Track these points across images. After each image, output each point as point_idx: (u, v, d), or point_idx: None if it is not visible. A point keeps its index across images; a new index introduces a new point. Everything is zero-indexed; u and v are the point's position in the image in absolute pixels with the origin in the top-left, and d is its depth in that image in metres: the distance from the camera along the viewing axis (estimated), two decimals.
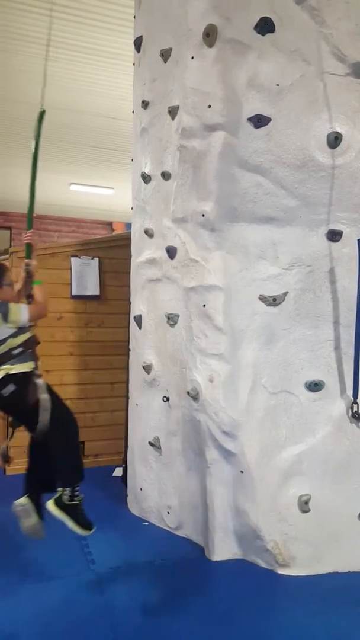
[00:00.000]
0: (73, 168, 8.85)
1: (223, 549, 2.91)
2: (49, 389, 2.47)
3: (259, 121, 2.85)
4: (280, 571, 2.78)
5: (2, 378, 2.37)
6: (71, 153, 8.13)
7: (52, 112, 6.41)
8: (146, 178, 3.43)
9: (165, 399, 3.24)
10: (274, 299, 2.93)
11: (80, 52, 5.19)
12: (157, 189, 3.34)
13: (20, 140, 7.60)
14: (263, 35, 2.83)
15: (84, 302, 4.75)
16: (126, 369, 3.94)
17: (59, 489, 2.41)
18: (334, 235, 2.94)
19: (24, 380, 2.40)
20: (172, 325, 3.20)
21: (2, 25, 4.73)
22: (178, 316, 3.15)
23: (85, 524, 2.38)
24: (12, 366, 2.41)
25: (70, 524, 2.35)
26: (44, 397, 2.39)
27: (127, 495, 3.70)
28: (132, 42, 3.66)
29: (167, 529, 3.29)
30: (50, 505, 2.38)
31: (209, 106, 2.88)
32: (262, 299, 2.94)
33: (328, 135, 2.84)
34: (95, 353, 4.72)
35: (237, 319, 2.94)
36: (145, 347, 3.43)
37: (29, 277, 2.72)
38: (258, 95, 2.86)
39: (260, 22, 2.82)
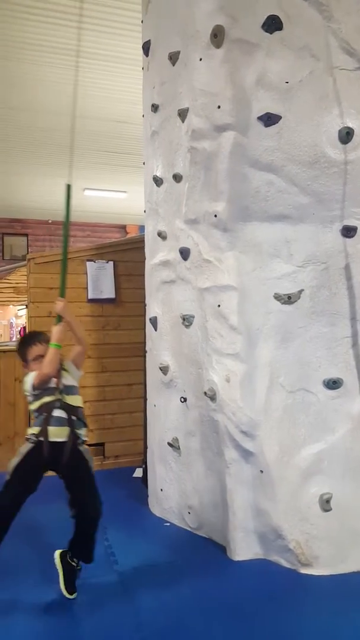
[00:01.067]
0: (86, 173, 8.94)
1: (244, 549, 2.91)
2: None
3: (269, 119, 2.84)
4: (303, 571, 2.76)
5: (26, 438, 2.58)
6: (83, 158, 8.20)
7: (63, 118, 6.53)
8: (158, 181, 3.45)
9: (182, 399, 3.26)
10: (289, 297, 2.92)
11: (89, 58, 5.25)
12: (169, 191, 3.35)
13: (37, 149, 7.71)
14: (271, 33, 2.83)
15: (100, 305, 4.80)
16: (143, 370, 3.96)
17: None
18: (349, 231, 2.92)
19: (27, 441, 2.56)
20: (187, 326, 3.21)
21: (18, 36, 4.81)
22: (193, 317, 3.16)
23: (70, 587, 2.49)
24: (30, 429, 2.60)
25: (60, 578, 2.48)
26: (14, 461, 2.52)
27: (147, 496, 3.72)
28: (141, 46, 3.69)
29: (188, 529, 3.30)
30: (56, 554, 2.55)
31: (219, 107, 2.88)
32: (277, 297, 2.93)
33: (339, 131, 2.82)
34: (113, 355, 4.77)
35: (252, 318, 2.94)
36: (161, 348, 3.45)
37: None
38: (267, 94, 2.85)
39: (268, 20, 2.81)
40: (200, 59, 2.96)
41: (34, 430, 2.55)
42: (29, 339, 2.84)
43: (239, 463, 2.91)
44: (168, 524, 3.41)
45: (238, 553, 2.91)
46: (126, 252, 4.92)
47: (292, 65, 2.83)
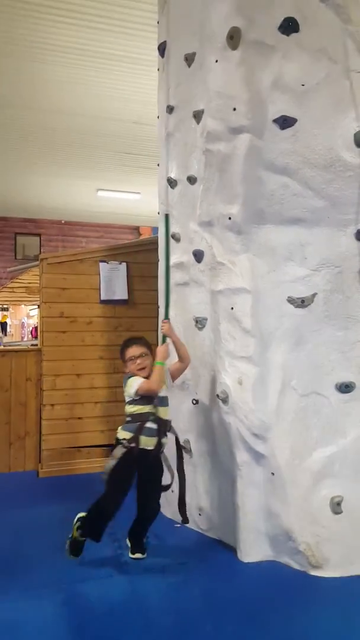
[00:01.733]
0: (100, 174, 8.99)
1: (255, 551, 2.91)
2: (121, 461, 2.78)
3: (285, 122, 2.84)
4: (314, 573, 2.75)
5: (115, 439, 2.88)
6: (98, 159, 8.25)
7: (78, 119, 6.58)
8: (172, 182, 3.46)
9: (194, 401, 3.26)
10: (303, 301, 2.91)
11: (104, 59, 5.28)
12: (183, 193, 3.36)
13: (52, 150, 7.77)
14: (287, 35, 2.83)
15: (113, 306, 4.82)
16: None
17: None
18: None
19: (116, 445, 2.84)
20: (200, 329, 3.21)
21: (38, 37, 4.85)
22: (206, 319, 3.17)
23: (76, 550, 2.89)
24: (119, 432, 2.86)
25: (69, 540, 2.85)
26: (109, 464, 2.79)
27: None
28: (156, 47, 3.71)
29: (199, 530, 3.30)
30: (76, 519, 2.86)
31: (234, 109, 2.89)
32: (291, 300, 2.92)
33: (355, 134, 2.81)
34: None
35: (266, 321, 2.93)
36: (173, 350, 3.45)
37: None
38: (283, 96, 2.85)
39: (285, 22, 2.81)
40: (216, 61, 2.96)
41: (125, 435, 2.81)
42: (128, 341, 3.02)
43: (250, 465, 2.91)
44: (178, 525, 3.41)
45: (248, 554, 2.91)
46: (139, 253, 4.94)
47: (308, 67, 2.83)
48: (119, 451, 2.79)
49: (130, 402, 2.87)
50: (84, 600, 2.54)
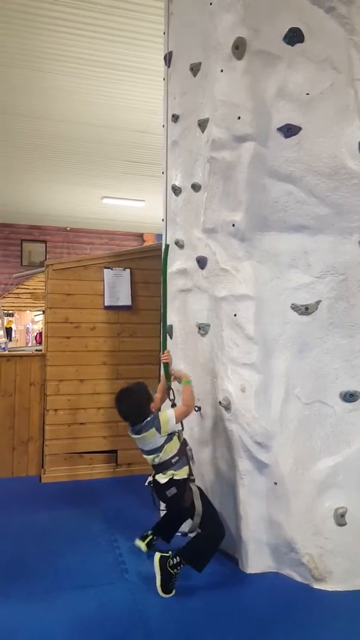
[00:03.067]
0: (105, 182, 9.03)
1: (257, 562, 2.88)
2: (201, 493, 2.82)
3: (289, 131, 2.85)
4: (316, 585, 2.72)
5: (167, 481, 2.75)
6: (103, 167, 8.29)
7: (84, 127, 6.63)
8: (177, 190, 3.48)
9: (196, 408, 3.24)
10: (306, 308, 2.90)
11: (109, 69, 5.32)
12: (187, 201, 3.37)
13: (57, 158, 7.82)
14: (292, 45, 2.85)
15: (116, 312, 4.83)
16: (158, 378, 3.95)
17: (170, 554, 2.72)
18: None
19: (183, 485, 2.76)
20: (203, 335, 3.21)
21: (40, 46, 4.90)
22: (209, 326, 3.16)
23: (168, 590, 2.66)
24: (175, 472, 2.76)
25: (158, 582, 2.65)
26: (198, 503, 2.76)
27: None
28: (162, 57, 3.74)
29: None
30: (156, 557, 2.71)
31: (239, 117, 2.90)
32: (294, 308, 2.91)
33: None
34: (128, 362, 4.78)
35: (269, 329, 2.93)
36: (176, 356, 3.44)
37: (169, 387, 3.08)
38: (288, 105, 2.86)
39: (289, 32, 2.83)
40: (222, 70, 2.98)
41: (184, 473, 2.78)
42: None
43: (253, 474, 2.89)
44: (180, 534, 3.38)
45: (250, 565, 2.87)
46: (143, 260, 4.95)
47: (312, 77, 2.84)
48: (195, 488, 2.80)
49: (167, 440, 2.77)
50: (85, 608, 2.52)
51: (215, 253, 3.10)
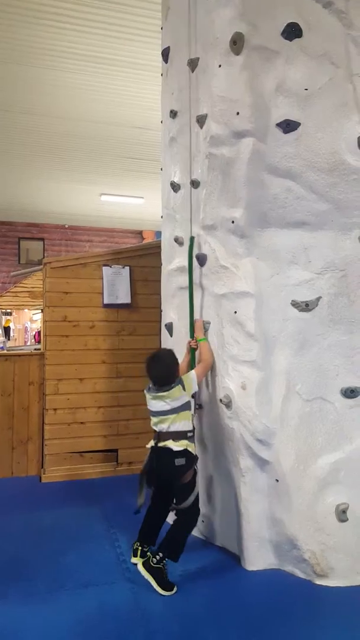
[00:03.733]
0: (103, 179, 9.01)
1: (258, 559, 2.88)
2: (196, 473, 2.86)
3: (288, 126, 2.83)
4: (318, 582, 2.72)
5: (182, 450, 2.74)
6: (101, 164, 8.27)
7: (82, 124, 6.60)
8: (175, 187, 3.46)
9: (197, 406, 3.24)
10: (307, 304, 2.89)
11: (108, 65, 5.30)
12: (186, 197, 3.36)
13: (55, 155, 7.79)
14: (290, 40, 2.83)
15: (116, 310, 4.81)
16: None
17: (149, 554, 2.75)
18: None
19: (192, 461, 2.78)
20: (204, 332, 3.19)
21: (38, 42, 4.87)
22: (209, 323, 3.15)
23: (167, 586, 2.65)
24: (189, 444, 2.78)
25: (154, 584, 2.63)
26: (198, 483, 2.81)
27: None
28: (160, 53, 3.71)
29: (202, 537, 3.27)
30: (140, 567, 2.71)
31: (237, 113, 2.88)
32: (295, 304, 2.90)
33: (359, 138, 2.80)
34: (127, 361, 4.77)
35: (269, 325, 2.92)
36: (176, 354, 3.43)
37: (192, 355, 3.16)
38: (286, 101, 2.85)
39: (287, 27, 2.81)
40: (220, 66, 2.96)
41: (193, 448, 2.81)
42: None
43: (254, 471, 2.88)
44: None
45: (252, 562, 2.87)
46: (142, 257, 4.93)
47: (311, 72, 2.83)
48: (194, 461, 2.80)
49: (186, 407, 2.81)
50: (86, 607, 2.52)
51: (214, 250, 3.08)
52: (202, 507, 3.23)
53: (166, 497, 2.88)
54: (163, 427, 2.78)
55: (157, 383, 2.84)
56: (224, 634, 2.32)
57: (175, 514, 2.85)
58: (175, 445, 2.73)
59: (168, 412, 2.78)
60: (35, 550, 3.14)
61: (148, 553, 2.78)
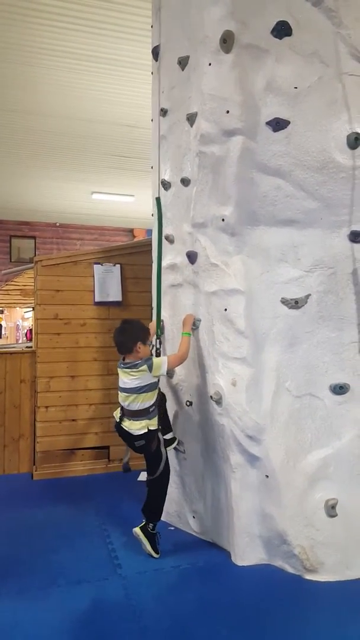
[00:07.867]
0: (94, 177, 8.97)
1: (249, 554, 2.90)
2: (160, 441, 3.02)
3: (278, 124, 2.85)
4: (308, 577, 2.74)
5: (142, 434, 2.92)
6: (92, 162, 8.24)
7: (73, 122, 6.58)
8: (166, 185, 3.46)
9: (188, 403, 3.25)
10: (296, 302, 2.91)
11: (98, 63, 5.28)
12: (176, 195, 3.36)
13: (46, 153, 7.75)
14: (280, 38, 2.84)
15: (107, 308, 4.81)
16: None
17: (144, 520, 3.04)
18: (356, 237, 2.91)
19: (152, 437, 2.95)
20: (193, 330, 3.21)
21: (29, 40, 4.85)
22: (200, 321, 3.16)
23: (155, 549, 3.01)
24: (150, 421, 2.94)
25: (147, 547, 2.99)
26: (164, 450, 3.01)
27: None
28: (150, 51, 3.71)
29: (193, 533, 3.29)
30: (136, 529, 3.01)
31: (227, 111, 2.89)
32: (284, 302, 2.93)
33: (348, 137, 2.83)
34: (119, 358, 4.75)
35: (259, 323, 2.94)
36: (167, 352, 3.45)
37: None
38: (276, 99, 2.86)
39: (277, 25, 2.83)
40: (210, 64, 2.97)
41: (154, 424, 2.95)
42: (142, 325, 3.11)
43: (245, 467, 2.90)
44: (172, 528, 3.40)
45: (242, 558, 2.90)
46: (133, 255, 4.94)
47: (301, 70, 2.84)
48: (154, 436, 2.96)
49: (150, 389, 2.93)
50: (78, 603, 2.53)
51: (205, 248, 3.09)
52: (193, 503, 3.26)
53: None
54: (125, 404, 2.96)
55: (119, 350, 3.01)
56: (214, 629, 2.34)
57: (147, 485, 3.07)
58: (135, 428, 2.91)
59: (131, 391, 2.92)
60: (27, 547, 3.15)
61: (142, 522, 3.03)
